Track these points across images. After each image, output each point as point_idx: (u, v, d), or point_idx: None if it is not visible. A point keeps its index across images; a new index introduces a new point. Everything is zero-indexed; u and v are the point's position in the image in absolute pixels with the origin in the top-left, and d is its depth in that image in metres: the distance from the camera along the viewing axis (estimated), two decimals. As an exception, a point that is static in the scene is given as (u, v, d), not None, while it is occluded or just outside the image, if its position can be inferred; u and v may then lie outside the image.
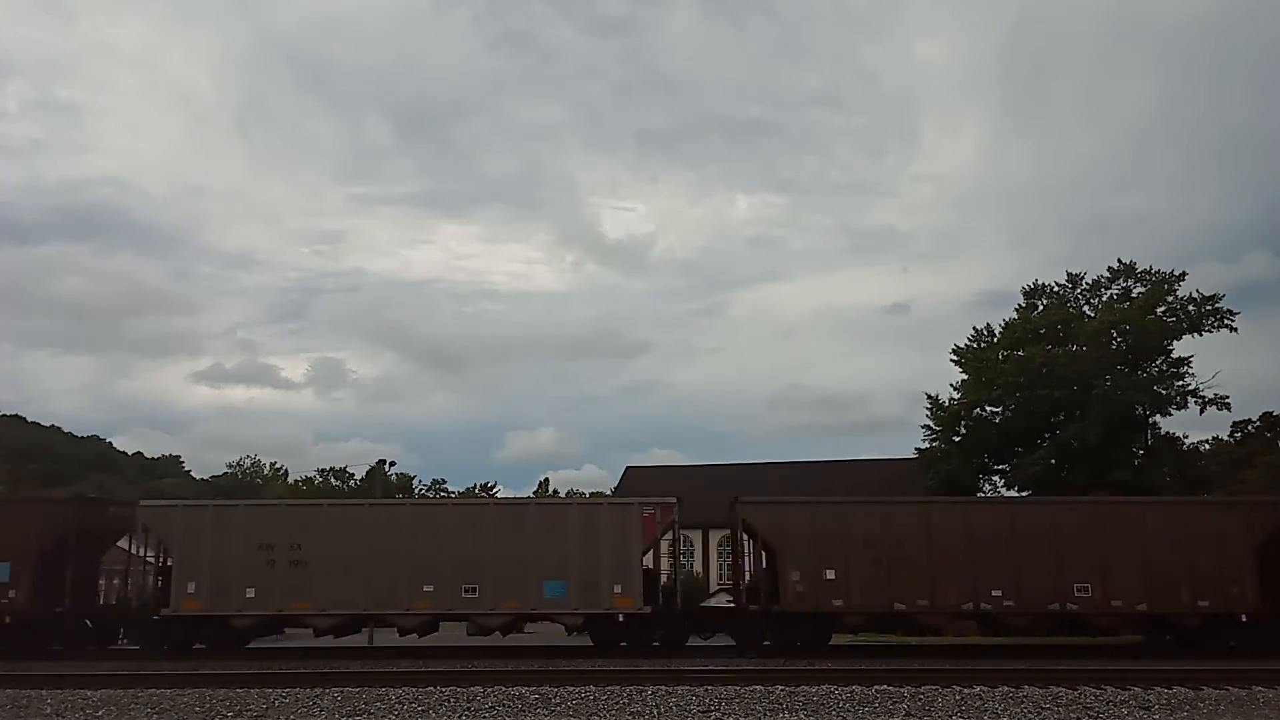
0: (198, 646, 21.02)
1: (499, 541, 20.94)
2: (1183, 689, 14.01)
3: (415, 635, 21.77)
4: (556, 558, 20.83)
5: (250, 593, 20.55)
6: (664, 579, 23.20)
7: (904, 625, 21.58)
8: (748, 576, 22.11)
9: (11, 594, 20.88)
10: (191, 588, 20.51)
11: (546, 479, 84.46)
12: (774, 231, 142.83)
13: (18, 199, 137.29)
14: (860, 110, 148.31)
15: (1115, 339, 34.38)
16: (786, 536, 21.04)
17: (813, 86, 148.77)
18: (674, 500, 21.73)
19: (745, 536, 22.12)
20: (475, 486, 77.29)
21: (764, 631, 20.90)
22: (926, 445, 36.82)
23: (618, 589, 20.67)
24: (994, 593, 20.56)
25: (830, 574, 20.70)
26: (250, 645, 21.74)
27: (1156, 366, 34.43)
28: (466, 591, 20.72)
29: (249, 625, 20.92)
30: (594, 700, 13.23)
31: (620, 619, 20.67)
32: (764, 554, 21.45)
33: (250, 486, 76.76)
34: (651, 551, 22.29)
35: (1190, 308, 34.03)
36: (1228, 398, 32.98)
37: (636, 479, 48.24)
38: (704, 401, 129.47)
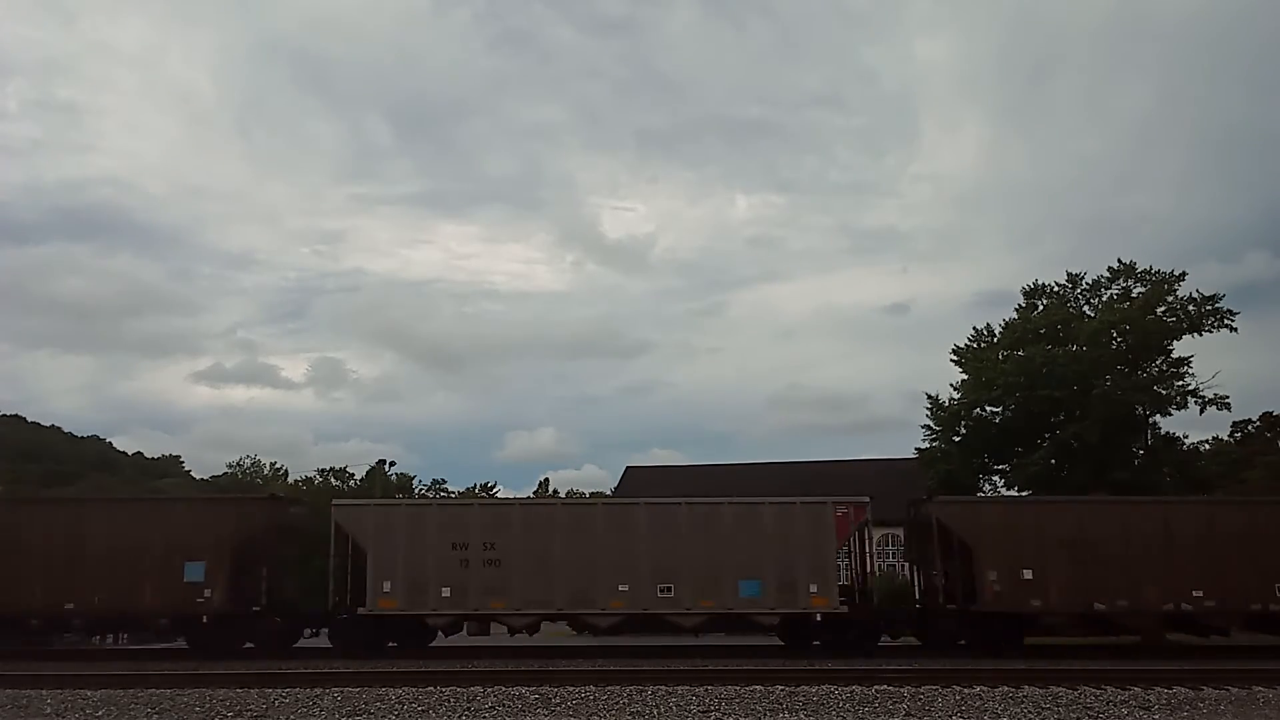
0: (391, 644, 21.16)
1: (693, 540, 20.93)
2: (1183, 689, 14.02)
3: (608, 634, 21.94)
4: (751, 557, 20.80)
5: (445, 591, 20.64)
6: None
7: (1103, 626, 21.37)
8: (943, 577, 21.91)
9: (207, 593, 20.95)
10: (387, 586, 20.65)
11: (546, 479, 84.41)
12: (774, 231, 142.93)
13: (18, 199, 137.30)
14: (860, 110, 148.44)
15: (1115, 339, 34.33)
16: (983, 535, 21.01)
17: (813, 86, 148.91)
18: (866, 500, 21.73)
19: (937, 536, 21.93)
20: (475, 486, 77.17)
21: (960, 632, 20.89)
22: (926, 445, 36.77)
23: (814, 588, 20.68)
24: (1195, 593, 20.45)
25: (1028, 574, 20.62)
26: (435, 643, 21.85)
27: (1156, 366, 34.36)
28: (662, 591, 20.77)
29: (445, 624, 21.09)
30: (594, 700, 13.22)
31: (818, 619, 20.65)
32: (958, 554, 21.29)
33: (250, 487, 76.57)
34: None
35: (1190, 308, 33.96)
36: (1228, 398, 32.95)
37: (636, 479, 48.11)
38: (704, 401, 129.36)
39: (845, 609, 20.78)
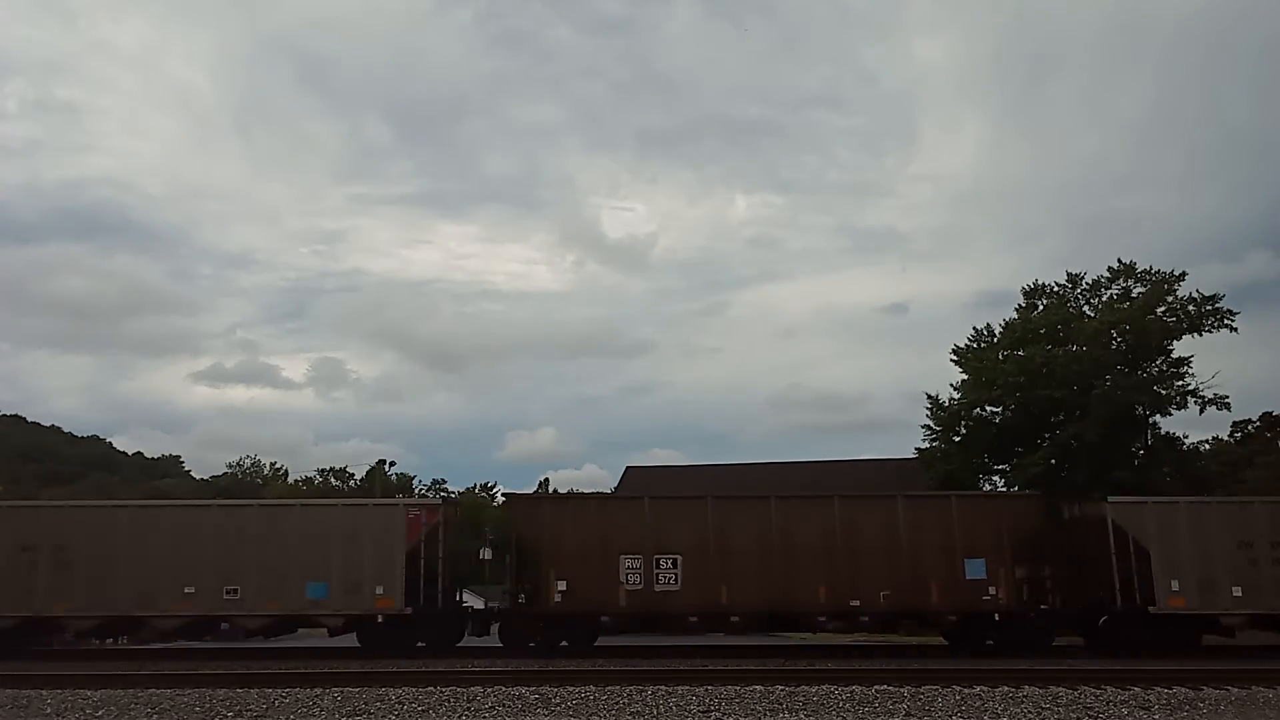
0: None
1: None
2: (1183, 689, 14.00)
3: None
4: None
5: (1237, 591, 20.53)
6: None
7: None
8: None
9: (992, 590, 20.81)
10: (1175, 585, 20.55)
11: (546, 479, 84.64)
12: (774, 231, 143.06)
13: (18, 199, 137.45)
14: (860, 110, 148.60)
15: (1115, 339, 34.32)
16: None
17: (812, 86, 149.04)
18: None
19: None
20: (475, 486, 77.28)
21: None
22: (926, 445, 36.76)
23: None
24: None
25: None
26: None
27: (1156, 366, 34.35)
28: None
29: (1239, 623, 20.95)
30: (594, 700, 13.21)
31: None
32: None
33: (250, 486, 76.45)
34: None
35: (1190, 308, 33.94)
36: (1227, 398, 32.94)
37: (636, 479, 48.15)
38: (704, 401, 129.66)
39: None
